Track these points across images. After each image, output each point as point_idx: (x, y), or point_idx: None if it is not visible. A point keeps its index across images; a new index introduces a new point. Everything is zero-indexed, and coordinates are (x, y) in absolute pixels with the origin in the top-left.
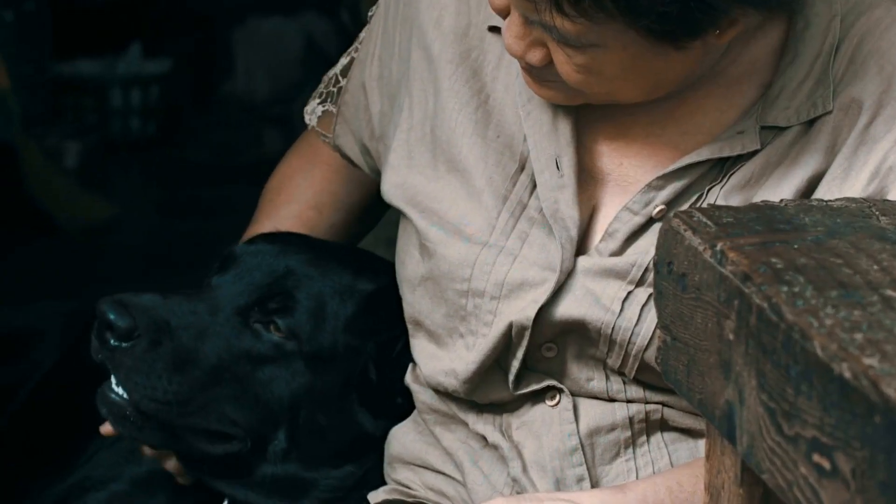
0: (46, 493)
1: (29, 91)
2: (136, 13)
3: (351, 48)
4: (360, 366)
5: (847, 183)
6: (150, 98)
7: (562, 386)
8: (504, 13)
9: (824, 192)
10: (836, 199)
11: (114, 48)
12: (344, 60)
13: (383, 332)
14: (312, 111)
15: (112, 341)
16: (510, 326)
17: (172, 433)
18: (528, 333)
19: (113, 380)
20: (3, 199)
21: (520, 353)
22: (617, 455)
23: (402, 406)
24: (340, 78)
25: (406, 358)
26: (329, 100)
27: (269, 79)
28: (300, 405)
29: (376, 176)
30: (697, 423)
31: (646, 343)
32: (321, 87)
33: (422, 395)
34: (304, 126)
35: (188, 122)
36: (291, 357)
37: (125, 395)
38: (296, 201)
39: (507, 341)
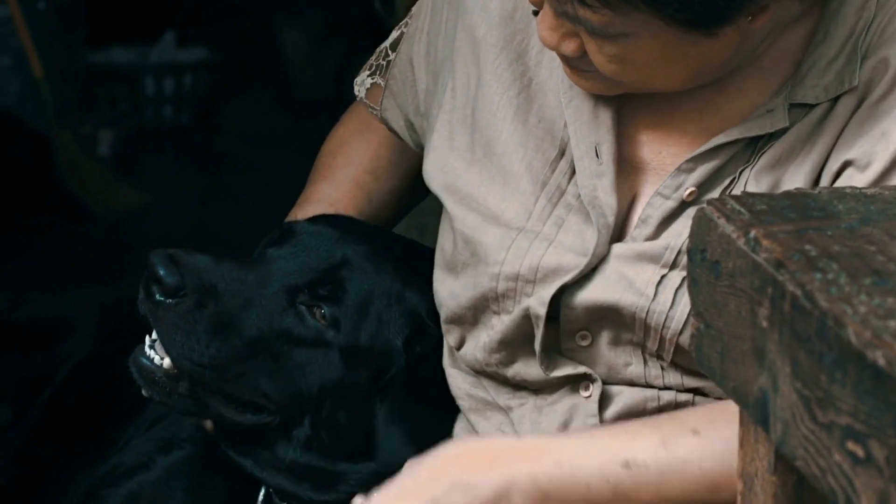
0: (79, 481)
1: (63, 80)
2: (170, 2)
3: (402, 22)
4: (390, 373)
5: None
6: (184, 86)
7: (595, 376)
8: (538, 5)
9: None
10: (870, 187)
11: (147, 37)
12: (395, 34)
13: (420, 345)
14: (362, 83)
15: (158, 296)
16: (527, 310)
17: (201, 402)
18: (542, 315)
19: (147, 342)
20: (38, 188)
21: (540, 336)
22: None
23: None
24: (390, 51)
25: (437, 378)
26: (378, 72)
27: (302, 66)
28: (326, 397)
29: (420, 150)
30: None
31: (680, 327)
32: (371, 59)
33: (458, 380)
34: (338, 112)
35: (221, 109)
36: (329, 346)
37: (156, 361)
38: (352, 164)
39: (530, 323)
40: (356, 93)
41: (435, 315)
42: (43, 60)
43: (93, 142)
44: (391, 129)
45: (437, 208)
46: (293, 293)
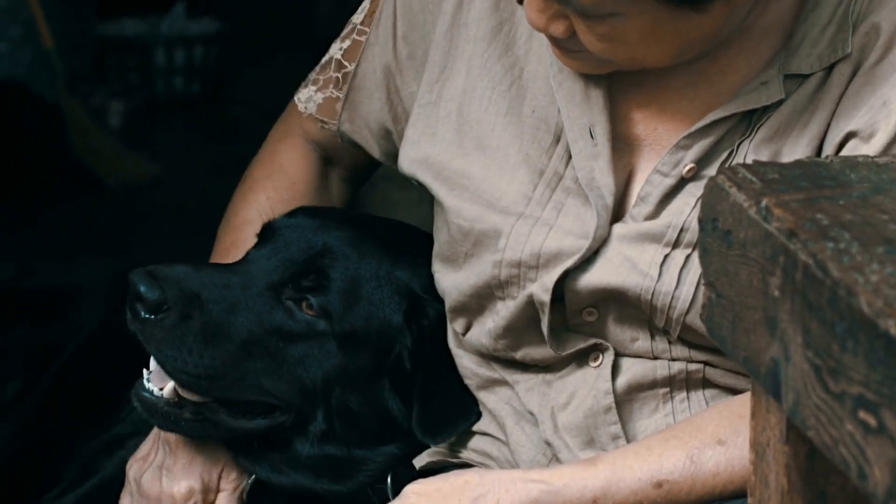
0: (85, 448)
1: (73, 51)
2: None
3: (344, 33)
4: (395, 353)
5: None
6: (194, 57)
7: (607, 345)
8: None
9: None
10: (882, 156)
11: (158, 8)
12: (341, 44)
13: (421, 320)
14: (308, 99)
15: (143, 313)
16: (531, 296)
17: (209, 422)
18: (546, 301)
19: (145, 375)
20: (49, 158)
21: (546, 321)
22: (655, 411)
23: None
24: (345, 63)
25: (447, 349)
26: (333, 86)
27: (313, 38)
28: (333, 386)
29: (386, 160)
30: (739, 382)
31: (686, 307)
32: (316, 74)
33: (465, 360)
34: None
35: (231, 80)
36: (323, 337)
37: (156, 392)
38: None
39: (535, 308)
40: (302, 110)
41: (432, 290)
42: (53, 31)
43: (103, 112)
44: (347, 141)
45: None
46: (278, 290)
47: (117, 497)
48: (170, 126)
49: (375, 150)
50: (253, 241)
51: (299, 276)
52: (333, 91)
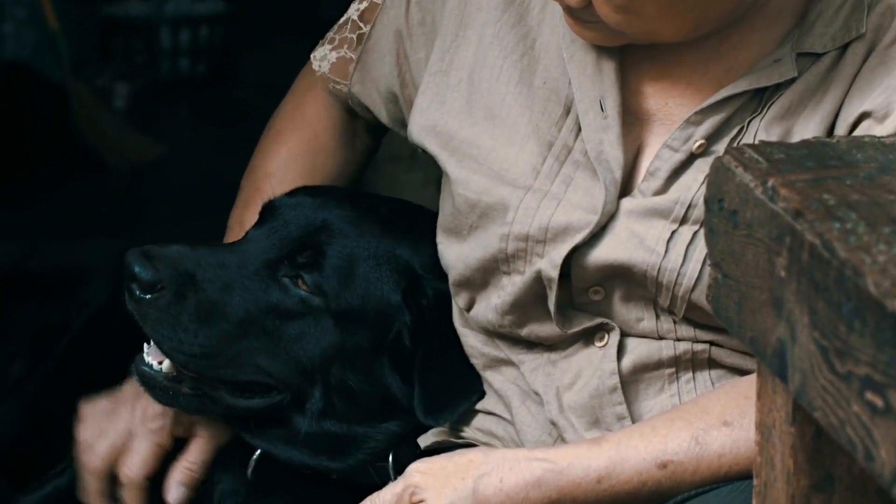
0: None
1: (78, 32)
2: None
3: None
4: (394, 331)
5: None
6: (200, 38)
7: (613, 324)
8: None
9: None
10: (889, 136)
11: None
12: (360, 5)
13: (420, 299)
14: (323, 57)
15: (138, 293)
16: (539, 272)
17: (208, 398)
18: (555, 278)
19: (145, 349)
20: (54, 140)
21: (553, 297)
22: (661, 391)
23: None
24: (360, 24)
25: (448, 328)
26: (346, 46)
27: (318, 18)
28: (331, 364)
29: (392, 125)
30: (745, 362)
31: (692, 284)
32: (333, 33)
33: (470, 339)
34: None
35: (237, 61)
36: (319, 314)
37: (155, 367)
38: (291, 180)
39: (542, 284)
40: (316, 68)
41: (432, 269)
42: (58, 12)
43: (108, 94)
44: (357, 103)
45: None
46: (274, 267)
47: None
48: (175, 107)
49: (383, 115)
50: (273, 194)
51: (295, 253)
52: (347, 52)
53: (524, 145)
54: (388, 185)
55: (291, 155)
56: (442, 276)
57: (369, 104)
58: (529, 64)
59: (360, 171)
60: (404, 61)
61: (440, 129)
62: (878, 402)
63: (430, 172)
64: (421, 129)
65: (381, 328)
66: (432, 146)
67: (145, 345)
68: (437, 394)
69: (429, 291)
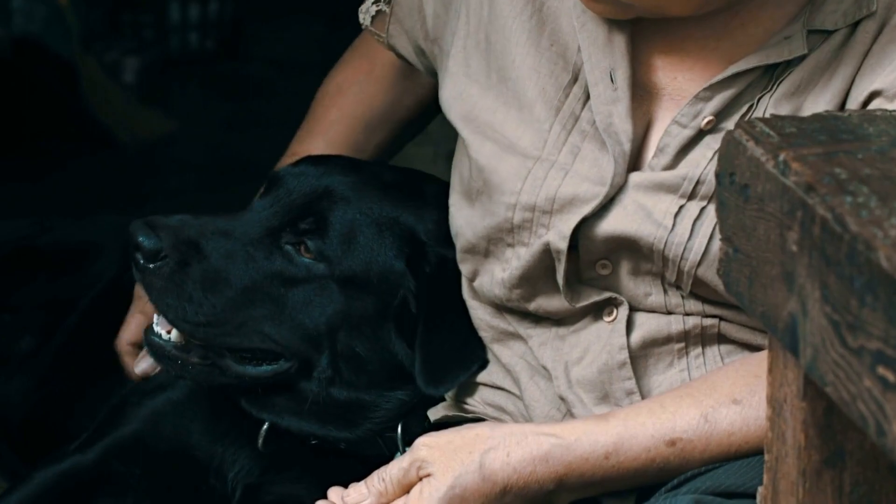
0: (104, 400)
1: (88, 7)
2: None
3: None
4: (399, 297)
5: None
6: (209, 13)
7: (622, 299)
8: None
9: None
10: None
11: None
12: None
13: (423, 266)
14: (366, 10)
15: (141, 262)
16: (547, 244)
17: (216, 367)
18: (564, 249)
19: (155, 319)
20: (64, 115)
21: (562, 270)
22: (670, 366)
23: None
24: None
25: (451, 297)
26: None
27: None
28: (337, 331)
29: (432, 76)
30: (755, 337)
31: (698, 259)
32: None
33: (479, 312)
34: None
35: (247, 36)
36: (323, 280)
37: (164, 336)
38: (346, 119)
39: (551, 257)
40: (361, 21)
41: (436, 236)
42: None
43: (118, 69)
44: (399, 56)
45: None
46: (277, 235)
47: (146, 448)
48: (185, 82)
49: (419, 66)
50: (339, 111)
51: (297, 220)
52: (384, 5)
53: (532, 109)
54: (397, 159)
55: (347, 83)
56: (446, 243)
57: (406, 55)
58: (538, 24)
59: (411, 122)
60: (420, 14)
61: (465, 95)
62: (890, 376)
63: (441, 147)
64: (451, 97)
65: (386, 294)
66: (455, 117)
67: (155, 315)
68: (438, 363)
69: (432, 258)
